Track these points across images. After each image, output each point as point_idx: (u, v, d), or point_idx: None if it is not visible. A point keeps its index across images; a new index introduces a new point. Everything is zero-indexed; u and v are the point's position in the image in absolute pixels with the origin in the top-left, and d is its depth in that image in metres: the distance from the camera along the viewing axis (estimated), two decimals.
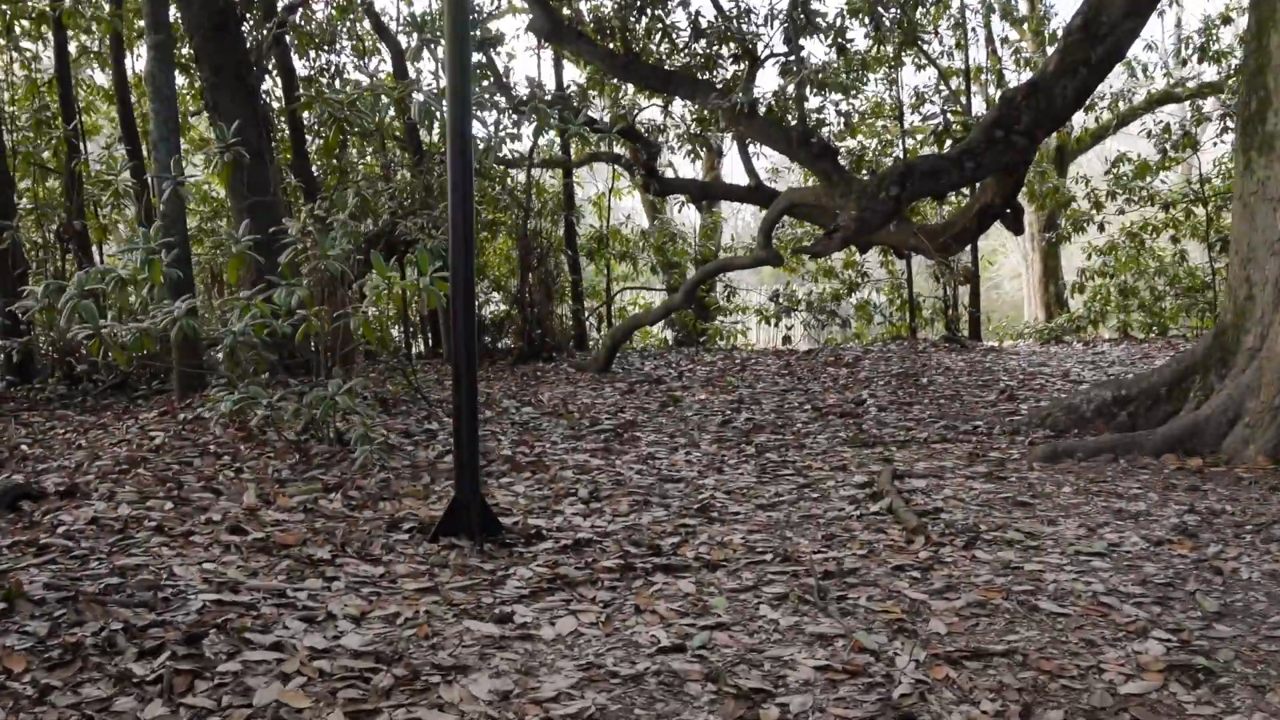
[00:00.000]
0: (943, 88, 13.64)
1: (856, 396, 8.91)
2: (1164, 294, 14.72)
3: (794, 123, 10.19)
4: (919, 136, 12.88)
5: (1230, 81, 13.39)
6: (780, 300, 14.54)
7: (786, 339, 14.54)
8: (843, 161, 10.70)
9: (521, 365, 12.19)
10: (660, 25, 12.11)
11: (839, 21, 12.48)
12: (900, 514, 4.68)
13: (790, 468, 5.94)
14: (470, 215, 4.42)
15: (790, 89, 9.78)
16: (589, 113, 14.29)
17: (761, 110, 10.55)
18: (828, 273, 16.04)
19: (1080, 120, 16.97)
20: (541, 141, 13.72)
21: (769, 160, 16.57)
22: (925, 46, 13.44)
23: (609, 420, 7.79)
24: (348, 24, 13.17)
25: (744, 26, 11.89)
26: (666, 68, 12.38)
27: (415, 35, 9.52)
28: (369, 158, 14.48)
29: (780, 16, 11.39)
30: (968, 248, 14.78)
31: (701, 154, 15.07)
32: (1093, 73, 8.64)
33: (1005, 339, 16.45)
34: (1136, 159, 14.19)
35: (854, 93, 12.78)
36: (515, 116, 12.14)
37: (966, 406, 8.21)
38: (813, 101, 11.76)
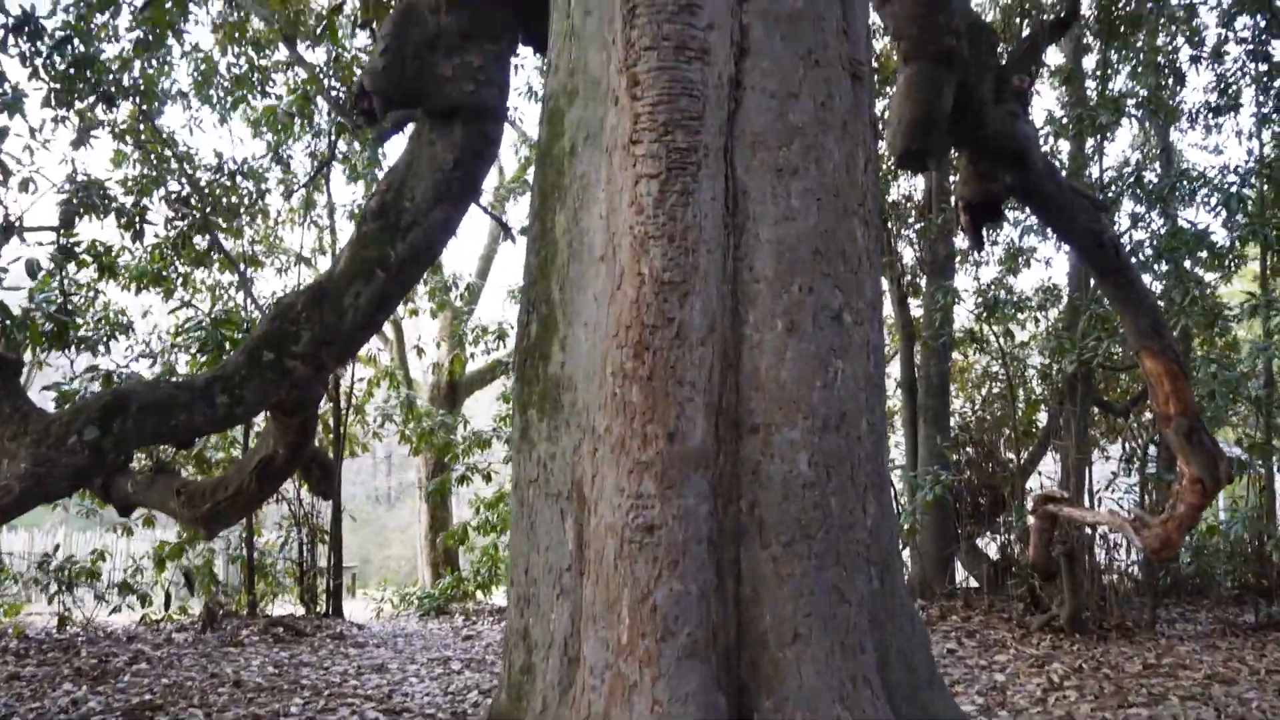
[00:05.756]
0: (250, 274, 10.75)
1: None
2: None
3: None
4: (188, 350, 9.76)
5: None
6: (50, 568, 10.39)
7: (63, 620, 10.35)
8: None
9: None
10: None
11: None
12: None
13: None
14: None
15: None
16: None
17: None
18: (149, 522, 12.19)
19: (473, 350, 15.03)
20: None
21: None
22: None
23: None
24: None
25: None
26: None
27: None
28: None
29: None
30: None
31: None
32: (395, 277, 6.05)
33: (383, 608, 13.49)
34: None
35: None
36: None
37: None
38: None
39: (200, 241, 9.83)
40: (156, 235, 9.63)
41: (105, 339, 10.61)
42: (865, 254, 3.31)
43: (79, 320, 10.19)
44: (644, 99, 3.08)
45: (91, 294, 11.13)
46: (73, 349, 9.92)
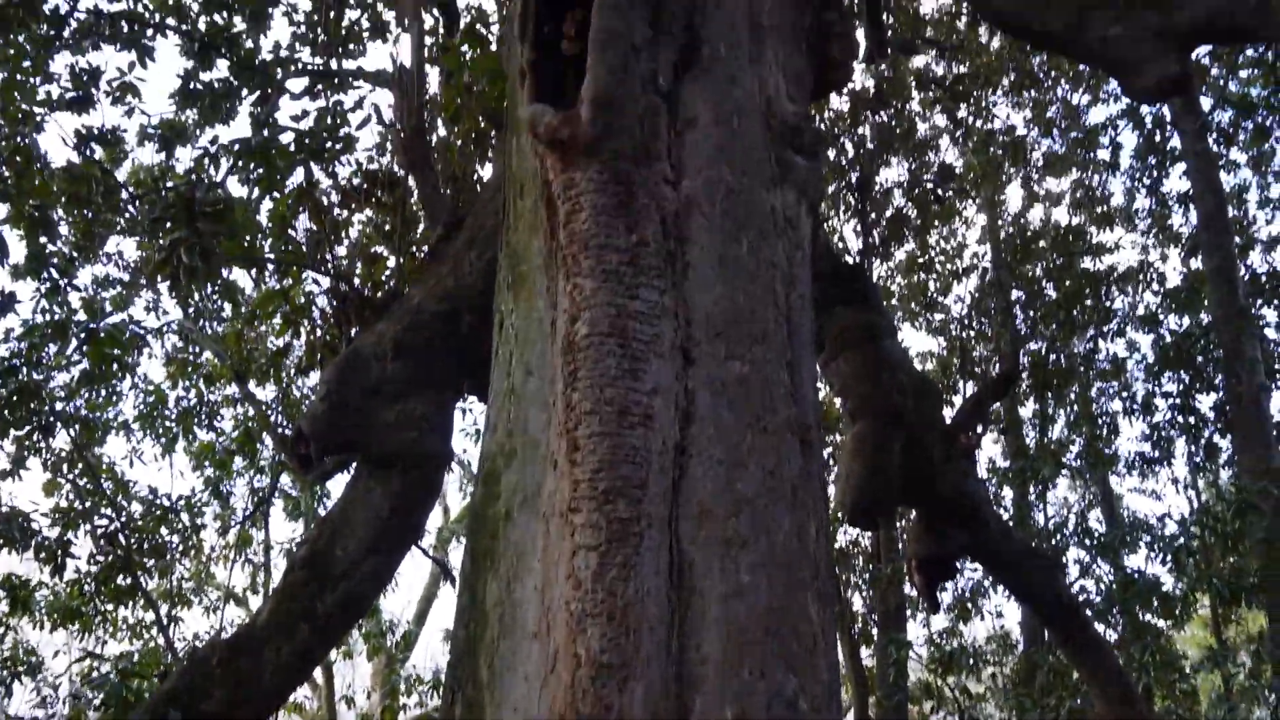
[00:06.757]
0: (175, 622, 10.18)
1: None
2: None
3: None
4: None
5: None
6: None
7: None
8: None
9: None
10: None
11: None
12: None
13: None
14: None
15: None
16: None
17: None
18: None
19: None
20: None
21: None
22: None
23: None
24: None
25: None
26: None
27: None
28: None
29: None
30: None
31: None
32: (321, 631, 5.67)
33: None
34: None
35: None
36: None
37: None
38: None
39: (123, 579, 9.35)
40: (78, 570, 9.17)
41: (8, 681, 9.89)
42: (820, 632, 3.07)
43: None
44: (584, 465, 2.93)
45: (1, 630, 10.48)
46: None
